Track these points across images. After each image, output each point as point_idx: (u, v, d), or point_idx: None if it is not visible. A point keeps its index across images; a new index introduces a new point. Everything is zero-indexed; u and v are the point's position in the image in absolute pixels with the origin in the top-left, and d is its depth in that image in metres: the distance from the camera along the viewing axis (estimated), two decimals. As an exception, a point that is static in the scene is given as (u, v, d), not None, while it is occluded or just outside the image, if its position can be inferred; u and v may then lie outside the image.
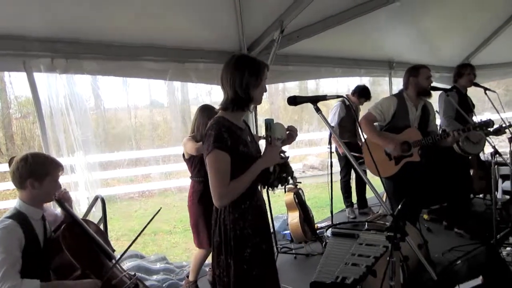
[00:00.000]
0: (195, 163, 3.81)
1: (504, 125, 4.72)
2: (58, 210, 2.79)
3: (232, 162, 2.15)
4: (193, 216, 3.89)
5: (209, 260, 4.19)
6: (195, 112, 3.88)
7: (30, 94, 3.51)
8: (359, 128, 5.85)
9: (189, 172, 3.96)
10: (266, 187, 2.47)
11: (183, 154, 3.89)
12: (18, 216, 2.29)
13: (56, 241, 2.44)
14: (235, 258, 2.25)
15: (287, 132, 2.40)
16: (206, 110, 3.78)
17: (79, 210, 3.93)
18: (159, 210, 2.89)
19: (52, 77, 3.60)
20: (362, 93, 5.91)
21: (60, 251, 2.38)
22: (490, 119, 3.96)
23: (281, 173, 2.39)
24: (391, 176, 4.04)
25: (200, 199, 3.81)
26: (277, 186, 2.46)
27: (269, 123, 2.29)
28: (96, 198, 3.50)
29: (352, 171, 6.16)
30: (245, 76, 2.17)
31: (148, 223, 2.75)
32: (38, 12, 3.13)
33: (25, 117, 11.32)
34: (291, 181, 5.05)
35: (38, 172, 2.34)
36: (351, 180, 6.26)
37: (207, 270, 4.30)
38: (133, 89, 12.34)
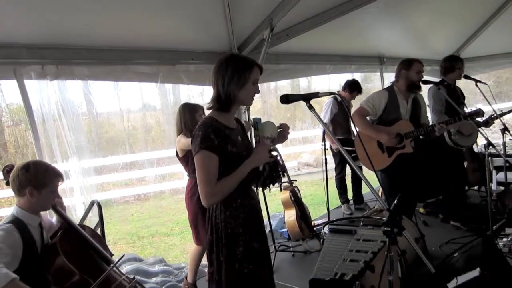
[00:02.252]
0: (191, 160, 3.78)
1: (492, 116, 4.75)
2: (54, 219, 2.79)
3: (221, 162, 2.15)
4: (191, 213, 3.88)
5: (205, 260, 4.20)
6: (178, 112, 3.87)
7: (22, 101, 3.49)
8: (352, 124, 5.86)
9: (185, 171, 3.96)
10: (256, 187, 2.46)
11: (177, 153, 3.89)
12: (16, 222, 2.30)
13: (53, 247, 2.43)
14: (226, 256, 2.25)
15: (279, 130, 2.38)
16: (188, 108, 3.81)
17: (75, 215, 3.92)
18: (122, 256, 2.88)
19: (43, 84, 3.59)
20: (353, 87, 5.90)
21: (58, 257, 2.38)
22: (479, 109, 3.98)
23: (271, 172, 2.38)
24: (385, 168, 4.06)
25: (199, 195, 3.80)
26: (268, 186, 2.44)
27: (256, 122, 2.28)
28: (92, 203, 3.49)
29: (348, 167, 6.17)
30: (227, 75, 2.16)
31: (114, 265, 2.73)
32: (27, 19, 3.12)
33: (17, 125, 11.24)
34: (283, 180, 5.06)
35: (37, 182, 2.35)
36: (346, 177, 6.27)
37: (206, 270, 4.29)
38: (124, 93, 12.30)
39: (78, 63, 3.70)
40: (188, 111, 3.79)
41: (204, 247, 3.92)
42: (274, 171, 2.38)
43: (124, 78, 4.29)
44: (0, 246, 2.12)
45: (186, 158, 3.82)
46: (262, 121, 2.33)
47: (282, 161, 2.47)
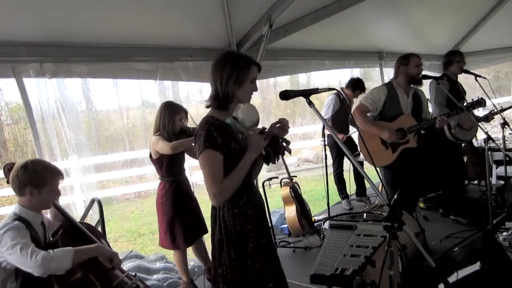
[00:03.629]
0: (166, 163, 3.69)
1: (493, 111, 4.76)
2: (48, 215, 2.78)
3: (226, 160, 2.15)
4: (166, 218, 3.73)
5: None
6: (158, 110, 3.74)
7: (21, 100, 3.49)
8: (351, 122, 5.87)
9: (158, 174, 3.82)
10: (268, 163, 2.42)
11: (150, 155, 3.75)
12: (21, 220, 2.31)
13: (54, 245, 2.44)
14: (238, 254, 2.25)
15: (278, 125, 2.30)
16: (169, 108, 3.70)
17: (75, 213, 3.92)
18: (130, 252, 2.92)
19: (42, 82, 3.59)
20: (356, 85, 5.89)
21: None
22: (481, 98, 3.99)
23: (274, 149, 2.33)
24: (389, 164, 4.05)
25: (174, 199, 3.72)
26: (277, 160, 2.40)
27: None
28: (92, 201, 3.49)
29: (345, 162, 6.16)
30: (225, 73, 2.14)
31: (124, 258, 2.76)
32: (25, 17, 3.11)
33: (17, 123, 11.21)
34: (284, 176, 5.06)
35: (37, 181, 2.36)
36: (347, 171, 6.25)
37: (205, 268, 4.27)
38: (124, 90, 12.25)
39: (77, 61, 3.70)
40: (169, 112, 3.66)
41: (183, 250, 3.88)
42: (276, 147, 2.33)
43: (123, 76, 4.29)
44: (26, 241, 2.18)
45: (160, 161, 3.69)
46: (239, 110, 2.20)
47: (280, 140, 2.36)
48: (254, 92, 2.30)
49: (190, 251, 4.07)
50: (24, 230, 2.25)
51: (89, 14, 3.34)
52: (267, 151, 2.27)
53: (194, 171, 4.20)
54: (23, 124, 10.68)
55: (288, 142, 2.34)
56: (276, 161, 2.37)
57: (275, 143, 2.29)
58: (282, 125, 2.33)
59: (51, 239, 2.56)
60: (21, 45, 3.31)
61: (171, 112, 3.67)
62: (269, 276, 2.33)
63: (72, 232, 2.61)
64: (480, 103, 3.97)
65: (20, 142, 11.14)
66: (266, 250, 2.38)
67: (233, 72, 2.15)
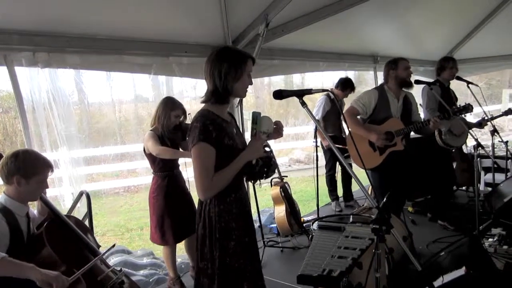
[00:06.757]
0: (159, 158, 3.67)
1: (486, 118, 4.81)
2: (35, 211, 2.76)
3: (218, 155, 2.15)
4: (156, 213, 3.74)
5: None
6: (158, 104, 3.76)
7: (12, 88, 3.44)
8: (343, 122, 5.89)
9: (151, 168, 3.82)
10: (250, 180, 2.46)
11: (144, 149, 3.74)
12: (3, 211, 2.29)
13: (39, 237, 2.42)
14: (219, 251, 2.25)
15: (274, 127, 2.38)
16: (168, 102, 3.71)
17: (63, 205, 3.89)
18: (113, 246, 2.96)
19: (34, 71, 3.54)
20: (345, 84, 5.90)
21: (44, 248, 2.37)
22: (468, 104, 4.04)
23: (263, 167, 2.38)
24: (376, 167, 4.08)
25: (166, 194, 3.71)
26: (259, 179, 2.45)
27: (256, 116, 2.28)
28: (81, 194, 3.46)
29: (338, 164, 6.18)
30: (224, 68, 2.16)
31: (103, 254, 2.77)
32: (20, 5, 3.07)
33: (7, 112, 11.11)
34: (275, 175, 5.06)
35: (26, 170, 2.34)
36: (336, 174, 6.28)
37: (190, 265, 4.26)
38: (117, 83, 12.11)
39: (70, 51, 3.65)
40: (167, 106, 3.67)
41: (172, 246, 3.89)
42: (266, 166, 2.39)
43: (117, 68, 4.24)
44: None
45: (153, 156, 3.67)
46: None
47: (274, 158, 2.47)
48: (248, 92, 2.33)
49: (180, 247, 4.05)
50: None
51: (85, 5, 3.31)
52: (257, 162, 2.30)
53: (189, 167, 4.19)
54: (13, 113, 10.58)
55: (276, 169, 2.44)
56: (260, 178, 2.42)
57: (269, 159, 2.36)
58: (278, 127, 2.37)
59: (35, 231, 2.53)
60: (14, 33, 3.26)
61: (168, 107, 3.68)
62: (246, 276, 2.34)
63: (57, 225, 2.59)
64: (467, 108, 4.01)
65: (10, 131, 11.04)
66: (248, 250, 2.38)
67: (231, 67, 2.17)
